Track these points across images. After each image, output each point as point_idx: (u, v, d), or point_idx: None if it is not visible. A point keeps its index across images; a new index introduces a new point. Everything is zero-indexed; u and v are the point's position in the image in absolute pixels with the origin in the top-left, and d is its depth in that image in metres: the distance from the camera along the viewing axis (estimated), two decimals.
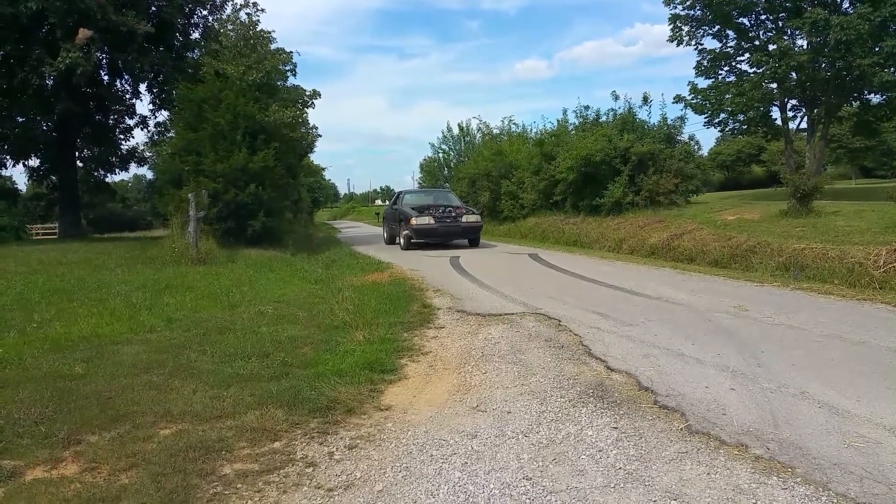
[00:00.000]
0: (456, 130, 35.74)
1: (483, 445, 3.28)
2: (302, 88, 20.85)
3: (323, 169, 24.11)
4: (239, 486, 2.86)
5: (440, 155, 37.02)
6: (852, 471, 2.84)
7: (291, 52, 19.14)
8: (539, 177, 19.41)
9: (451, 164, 35.53)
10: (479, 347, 5.34)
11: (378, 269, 10.91)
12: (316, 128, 20.48)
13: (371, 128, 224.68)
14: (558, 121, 21.27)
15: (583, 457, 3.11)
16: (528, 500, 2.68)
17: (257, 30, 17.94)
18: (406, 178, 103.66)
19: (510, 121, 28.58)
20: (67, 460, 3.10)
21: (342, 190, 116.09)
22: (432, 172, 37.93)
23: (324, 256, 13.86)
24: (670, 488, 2.75)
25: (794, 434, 3.27)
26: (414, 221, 14.98)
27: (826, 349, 4.94)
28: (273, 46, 18.24)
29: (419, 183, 41.59)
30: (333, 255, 14.48)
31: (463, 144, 35.22)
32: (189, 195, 11.78)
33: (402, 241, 15.67)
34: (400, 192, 18.56)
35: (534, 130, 25.55)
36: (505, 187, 21.99)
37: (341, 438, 3.41)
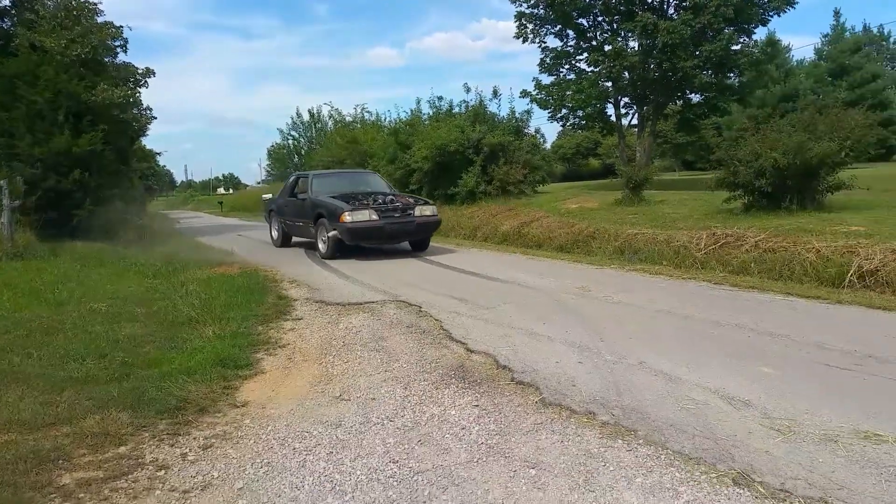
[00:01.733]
0: (306, 116, 35.01)
1: (348, 434, 3.24)
2: (134, 66, 19.11)
3: (157, 154, 22.45)
4: (81, 495, 2.62)
5: (290, 141, 36.05)
6: (685, 430, 3.15)
7: (121, 26, 17.52)
8: (395, 165, 19.47)
9: (302, 152, 34.66)
10: (340, 337, 5.27)
11: (226, 262, 10.38)
12: (150, 109, 18.76)
13: (213, 110, 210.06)
14: (412, 110, 21.44)
15: (447, 436, 3.18)
16: (395, 483, 2.70)
17: (81, 1, 16.24)
18: (252, 165, 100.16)
19: (363, 108, 28.46)
20: None
21: (179, 177, 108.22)
22: (281, 159, 36.93)
23: (162, 249, 12.91)
24: (528, 458, 2.90)
25: (634, 401, 3.56)
26: (348, 217, 10.07)
27: (658, 323, 5.42)
28: (100, 19, 16.63)
29: (267, 170, 40.23)
30: (173, 247, 13.53)
31: (314, 131, 34.50)
32: (1, 182, 10.50)
33: (323, 245, 10.78)
34: (303, 175, 13.18)
35: (388, 119, 25.56)
36: None
37: (194, 439, 3.22)
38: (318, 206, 11.07)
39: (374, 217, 10.28)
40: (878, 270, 6.53)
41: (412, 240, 11.24)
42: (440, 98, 20.23)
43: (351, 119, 28.55)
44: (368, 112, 27.82)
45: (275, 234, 13.48)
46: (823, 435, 3.03)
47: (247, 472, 2.84)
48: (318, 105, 39.82)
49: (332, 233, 10.40)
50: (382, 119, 26.41)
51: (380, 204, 10.72)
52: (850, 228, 8.34)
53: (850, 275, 6.62)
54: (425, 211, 10.99)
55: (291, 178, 13.38)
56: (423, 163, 17.55)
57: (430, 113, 20.40)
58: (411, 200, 11.35)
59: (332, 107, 34.69)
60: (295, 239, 12.91)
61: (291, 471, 2.85)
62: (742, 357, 4.34)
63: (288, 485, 2.72)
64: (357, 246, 10.54)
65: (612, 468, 2.79)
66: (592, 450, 2.97)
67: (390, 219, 10.43)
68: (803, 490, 2.54)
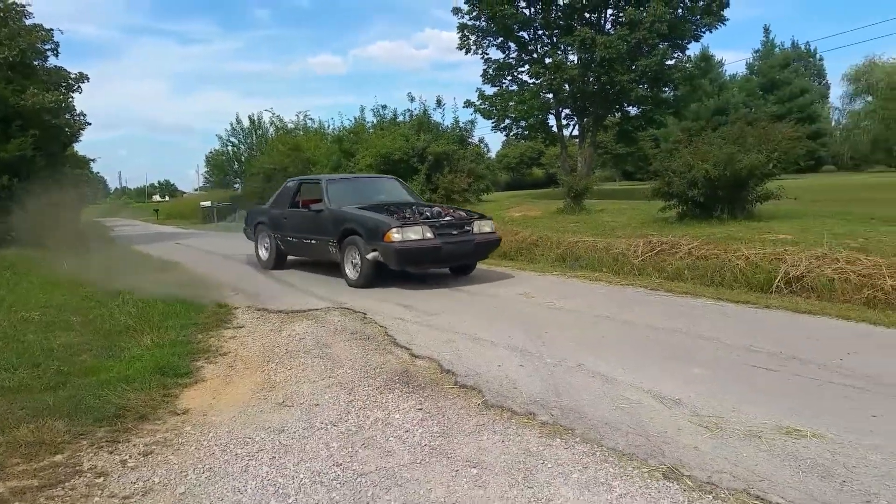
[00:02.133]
0: (246, 123, 34.34)
1: (291, 439, 3.25)
2: (66, 70, 18.48)
3: (91, 160, 21.56)
4: None
5: (229, 148, 35.38)
6: (620, 428, 3.28)
7: (52, 29, 16.90)
8: (339, 173, 19.43)
9: (242, 159, 34.10)
10: (283, 344, 5.24)
11: (163, 269, 10.15)
12: (84, 115, 18.10)
13: (149, 116, 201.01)
14: (356, 118, 21.49)
15: (391, 439, 3.23)
16: (338, 485, 2.73)
17: (8, 2, 15.60)
18: (190, 172, 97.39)
19: (306, 115, 28.10)
20: None
21: (113, 184, 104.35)
22: (220, 166, 36.26)
23: (97, 257, 12.51)
24: (470, 458, 2.98)
25: (573, 401, 3.68)
26: (396, 236, 7.71)
27: (598, 328, 5.60)
28: (29, 22, 16.01)
29: (205, 177, 39.44)
30: (109, 255, 13.15)
31: (255, 138, 33.97)
32: None
33: (353, 270, 8.28)
34: (310, 181, 10.64)
35: (331, 127, 25.48)
36: None
37: (134, 446, 3.18)
38: (345, 220, 8.50)
39: (429, 235, 7.89)
40: (803, 276, 6.89)
41: (473, 261, 8.96)
42: (384, 107, 20.42)
43: (293, 126, 28.34)
44: (311, 119, 27.69)
45: (264, 252, 10.39)
46: (748, 431, 3.20)
47: (189, 478, 2.83)
48: (259, 111, 39.26)
49: (371, 255, 7.90)
50: (326, 127, 26.34)
51: (430, 219, 8.35)
52: (777, 236, 8.79)
53: (777, 281, 6.97)
54: (484, 227, 8.63)
55: (290, 184, 10.47)
56: (367, 171, 17.57)
57: (375, 121, 20.51)
58: (464, 214, 8.97)
59: (274, 113, 34.26)
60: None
61: (234, 476, 2.85)
62: (675, 359, 4.53)
63: (231, 489, 2.72)
64: (402, 272, 8.17)
65: (550, 465, 2.89)
66: (532, 448, 3.06)
67: (448, 237, 8.09)
68: (728, 482, 2.69)
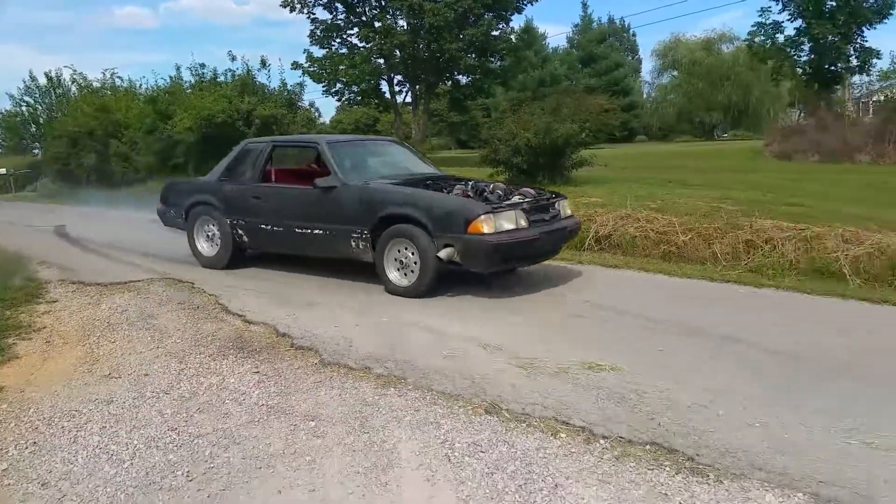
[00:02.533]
0: (43, 80, 30.45)
1: (121, 409, 3.19)
2: None
3: None
4: None
5: (24, 109, 31.28)
6: (448, 374, 3.60)
7: None
8: (154, 136, 18.01)
9: (41, 120, 30.40)
10: (104, 318, 4.97)
11: None
12: None
13: None
14: (171, 77, 19.89)
15: (227, 402, 3.27)
16: (175, 447, 2.76)
17: None
18: None
19: (113, 73, 25.44)
20: None
21: None
22: (13, 129, 32.05)
23: None
24: (308, 412, 3.13)
25: (406, 354, 3.94)
26: (485, 227, 5.30)
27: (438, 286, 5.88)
28: None
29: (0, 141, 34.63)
30: None
31: (54, 97, 30.31)
32: None
33: (403, 272, 5.70)
34: (290, 142, 8.61)
35: (144, 86, 23.36)
36: (115, 148, 19.81)
37: None
38: (387, 202, 5.80)
39: (523, 223, 5.64)
40: (610, 235, 7.74)
41: (543, 260, 6.51)
42: (203, 65, 18.99)
43: (99, 85, 25.60)
44: (120, 78, 25.12)
45: (207, 247, 7.11)
46: (558, 368, 3.65)
47: (10, 454, 2.71)
48: (58, 68, 34.69)
49: (444, 252, 5.41)
50: (138, 86, 24.10)
51: (503, 199, 6.01)
52: (590, 199, 9.65)
53: (588, 239, 7.76)
54: (566, 208, 6.52)
55: (256, 147, 7.18)
56: (186, 134, 16.46)
57: (193, 81, 19.13)
58: (533, 192, 6.43)
59: (76, 70, 30.29)
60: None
61: (62, 447, 2.77)
62: (498, 311, 5.00)
63: (59, 460, 2.65)
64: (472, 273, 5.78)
65: (384, 412, 3.12)
66: (367, 399, 3.27)
67: (542, 225, 5.87)
68: (540, 412, 3.09)
